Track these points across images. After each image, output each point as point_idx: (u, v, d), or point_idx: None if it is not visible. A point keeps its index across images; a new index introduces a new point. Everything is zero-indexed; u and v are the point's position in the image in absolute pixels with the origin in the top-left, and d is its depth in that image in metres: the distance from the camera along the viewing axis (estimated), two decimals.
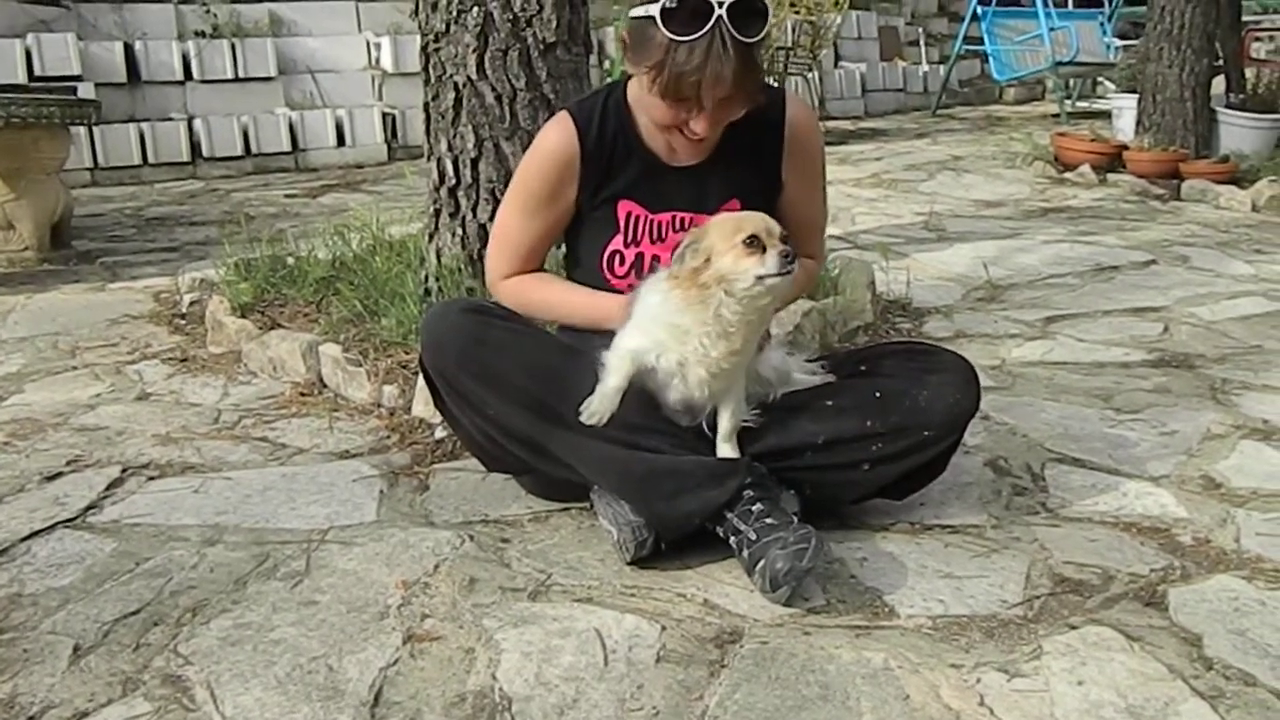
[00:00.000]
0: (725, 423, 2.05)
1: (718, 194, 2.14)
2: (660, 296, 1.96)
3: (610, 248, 2.16)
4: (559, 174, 2.14)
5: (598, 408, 1.99)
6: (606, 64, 9.06)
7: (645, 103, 2.04)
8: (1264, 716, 1.64)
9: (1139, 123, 7.23)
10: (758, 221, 1.92)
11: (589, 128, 2.12)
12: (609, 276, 2.17)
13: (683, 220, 2.13)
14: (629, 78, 2.12)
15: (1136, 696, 1.67)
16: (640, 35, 1.94)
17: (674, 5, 1.86)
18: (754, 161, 2.17)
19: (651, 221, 2.15)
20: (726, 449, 2.05)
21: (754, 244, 1.89)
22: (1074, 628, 1.86)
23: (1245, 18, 9.23)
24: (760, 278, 1.89)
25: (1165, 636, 1.84)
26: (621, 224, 2.15)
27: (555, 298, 2.22)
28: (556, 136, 2.14)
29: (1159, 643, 1.82)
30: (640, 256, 2.15)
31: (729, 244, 1.89)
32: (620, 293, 2.13)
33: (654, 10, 1.87)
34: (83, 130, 6.73)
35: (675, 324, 1.95)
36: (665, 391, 2.03)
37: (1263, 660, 1.77)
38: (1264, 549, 2.16)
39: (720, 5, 1.84)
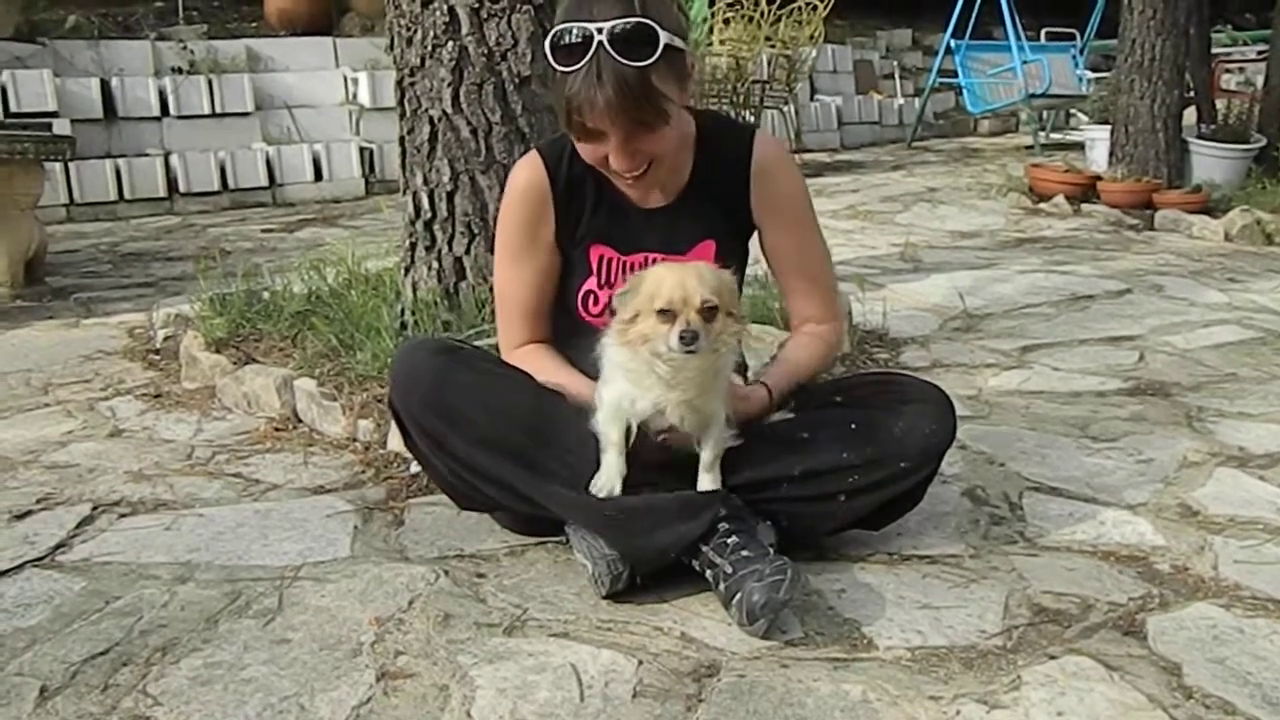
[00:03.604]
0: (706, 454, 2.03)
1: (688, 235, 2.14)
2: (614, 348, 1.96)
3: (584, 288, 2.17)
4: (533, 212, 2.15)
5: (605, 482, 1.99)
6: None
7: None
8: None
9: (1112, 154, 7.31)
10: (677, 287, 1.87)
11: (559, 166, 2.13)
12: (584, 315, 2.17)
13: (654, 261, 2.12)
14: None
15: None
16: (548, 77, 1.99)
17: (556, 40, 1.89)
18: (723, 202, 2.17)
19: (623, 263, 2.15)
20: (707, 480, 2.04)
21: (666, 314, 1.86)
22: (1053, 658, 1.85)
23: (1215, 49, 9.38)
24: (671, 348, 1.86)
25: (1144, 665, 1.84)
26: (594, 267, 2.16)
27: (548, 377, 2.16)
28: (526, 176, 2.15)
29: (1138, 672, 1.81)
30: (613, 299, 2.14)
31: (648, 306, 1.88)
32: (597, 332, 2.12)
33: (547, 43, 1.91)
34: (58, 166, 6.70)
35: (630, 370, 1.94)
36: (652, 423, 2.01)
37: (1242, 688, 1.77)
38: (1241, 576, 2.16)
39: (600, 32, 1.85)
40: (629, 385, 1.95)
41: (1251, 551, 2.28)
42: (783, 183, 2.22)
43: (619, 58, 1.85)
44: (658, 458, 2.02)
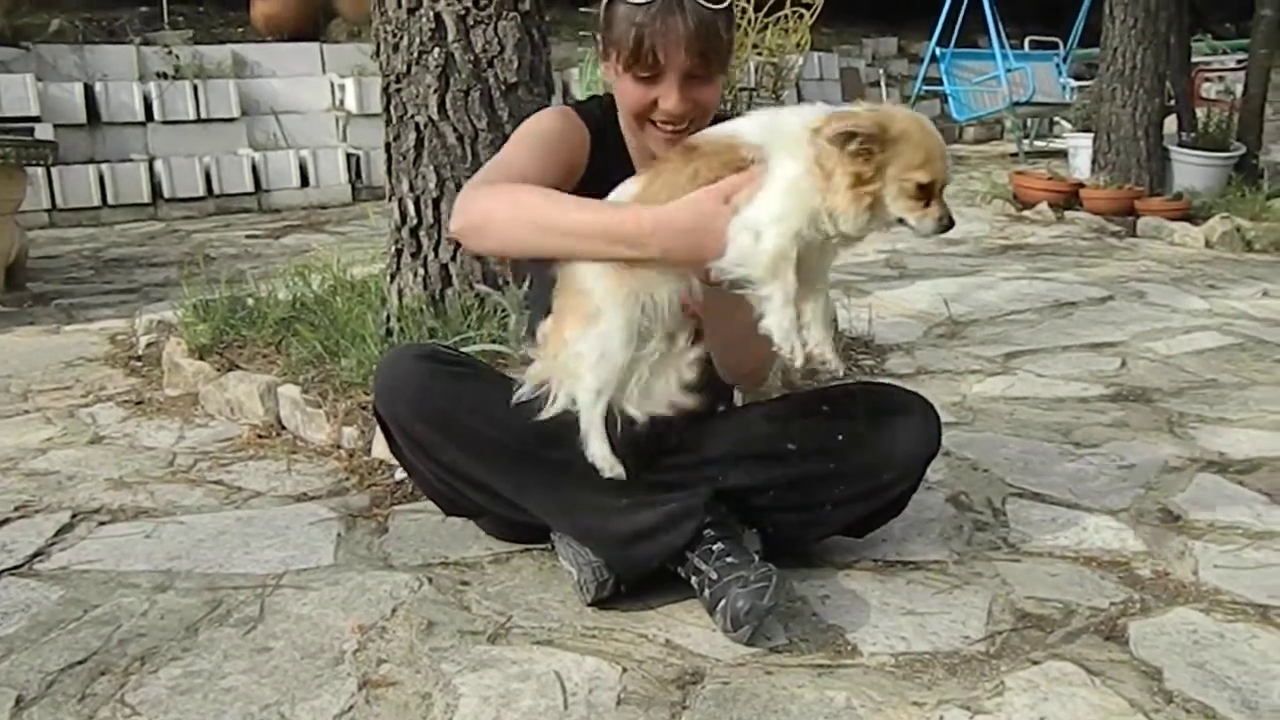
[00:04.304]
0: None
1: None
2: (800, 169, 1.70)
3: None
4: (570, 152, 2.06)
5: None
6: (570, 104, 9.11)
7: (620, 99, 2.00)
8: None
9: (1094, 161, 7.35)
10: (942, 164, 1.70)
11: (601, 138, 2.09)
12: None
13: None
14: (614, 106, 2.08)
15: None
16: (607, 21, 1.94)
17: None
18: None
19: None
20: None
21: (924, 191, 1.68)
22: (1036, 663, 1.86)
23: (1195, 58, 9.42)
24: (918, 229, 1.71)
25: (1126, 670, 1.84)
26: None
27: (554, 209, 1.82)
28: (575, 132, 2.08)
29: (1120, 677, 1.82)
30: None
31: (906, 173, 1.67)
32: None
33: None
34: (41, 171, 6.68)
35: (807, 209, 1.70)
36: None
37: (1222, 692, 1.78)
38: (1222, 581, 2.17)
39: None
40: (800, 220, 1.70)
41: (1231, 556, 2.30)
42: None
43: None
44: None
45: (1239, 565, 2.26)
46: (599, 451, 1.87)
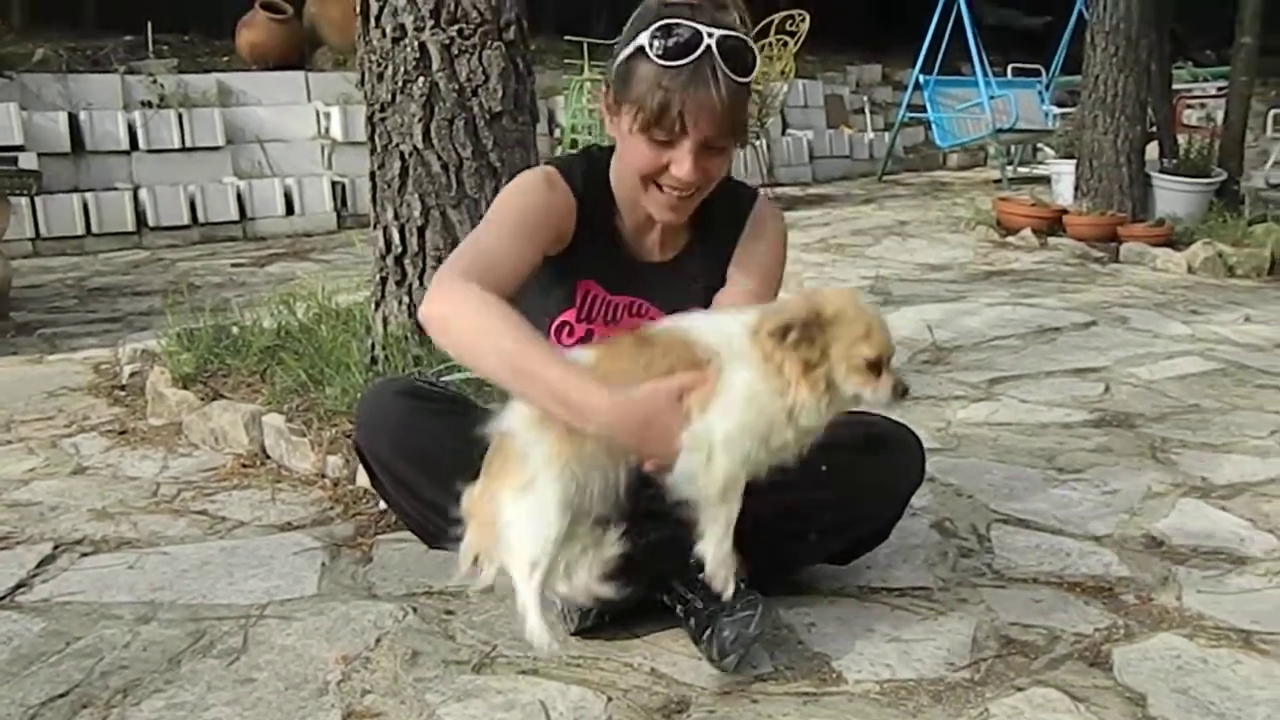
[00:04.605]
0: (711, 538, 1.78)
1: (680, 294, 2.07)
2: (754, 374, 1.68)
3: (561, 318, 2.11)
4: (555, 221, 2.01)
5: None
6: (557, 133, 9.15)
7: (627, 157, 1.94)
8: None
9: (1077, 187, 7.41)
10: (886, 338, 1.72)
11: (587, 202, 2.03)
12: (554, 342, 2.14)
13: (640, 306, 2.09)
14: (607, 158, 2.05)
15: None
16: (625, 76, 1.87)
17: (663, 34, 1.81)
18: (715, 264, 2.12)
19: (608, 303, 2.10)
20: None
21: (874, 365, 1.70)
22: (1020, 689, 1.86)
23: (1176, 85, 9.52)
24: (878, 400, 1.72)
25: (1110, 696, 1.85)
26: (578, 301, 2.09)
27: (522, 349, 1.74)
28: (561, 201, 2.02)
29: (1104, 703, 1.82)
30: (590, 333, 2.09)
31: (849, 352, 1.68)
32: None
33: (642, 40, 1.82)
34: (24, 200, 6.66)
35: (767, 409, 1.68)
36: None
37: (1206, 718, 1.78)
38: (1205, 607, 2.18)
39: (710, 36, 1.80)
40: (755, 438, 1.70)
41: (1214, 582, 2.31)
42: (766, 241, 2.14)
43: (724, 66, 1.81)
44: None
45: (1222, 591, 2.27)
46: (535, 625, 1.72)
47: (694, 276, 2.09)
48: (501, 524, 1.72)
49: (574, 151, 2.18)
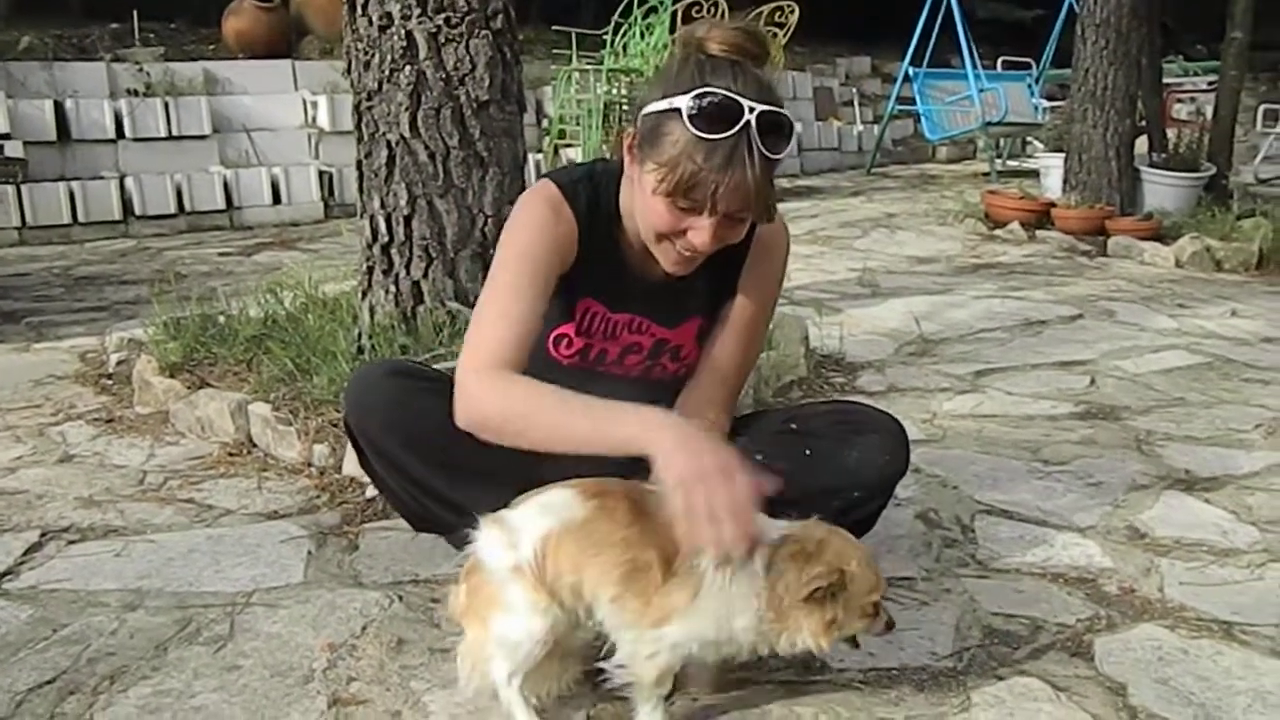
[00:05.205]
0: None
1: (680, 313, 2.08)
2: (753, 603, 1.65)
3: (559, 330, 2.07)
4: (561, 250, 1.97)
5: None
6: (545, 123, 9.13)
7: (642, 207, 1.88)
8: None
9: (1066, 181, 7.44)
10: (881, 577, 1.74)
11: (589, 222, 1.99)
12: (552, 351, 2.12)
13: (640, 324, 2.07)
14: (617, 176, 2.00)
15: None
16: (655, 131, 1.79)
17: (703, 103, 1.72)
18: (719, 285, 2.09)
19: (608, 320, 2.08)
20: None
21: (876, 607, 1.73)
22: (1002, 679, 1.88)
23: (1167, 80, 9.55)
24: (875, 634, 1.76)
25: (1091, 686, 1.86)
26: (578, 317, 2.06)
27: (557, 411, 1.76)
28: (566, 230, 1.97)
29: (1085, 692, 1.84)
30: (589, 346, 2.08)
31: (864, 599, 1.70)
32: (566, 367, 2.03)
33: (680, 103, 1.74)
34: (11, 189, 6.64)
35: (749, 635, 1.67)
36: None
37: (1186, 708, 1.80)
38: (1186, 598, 2.20)
39: (751, 111, 1.72)
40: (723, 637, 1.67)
41: (1197, 573, 2.32)
42: (772, 261, 2.12)
43: (761, 145, 1.73)
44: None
45: (1204, 582, 2.29)
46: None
47: (692, 295, 2.06)
48: (486, 638, 1.70)
49: (579, 165, 2.13)
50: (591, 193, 1.99)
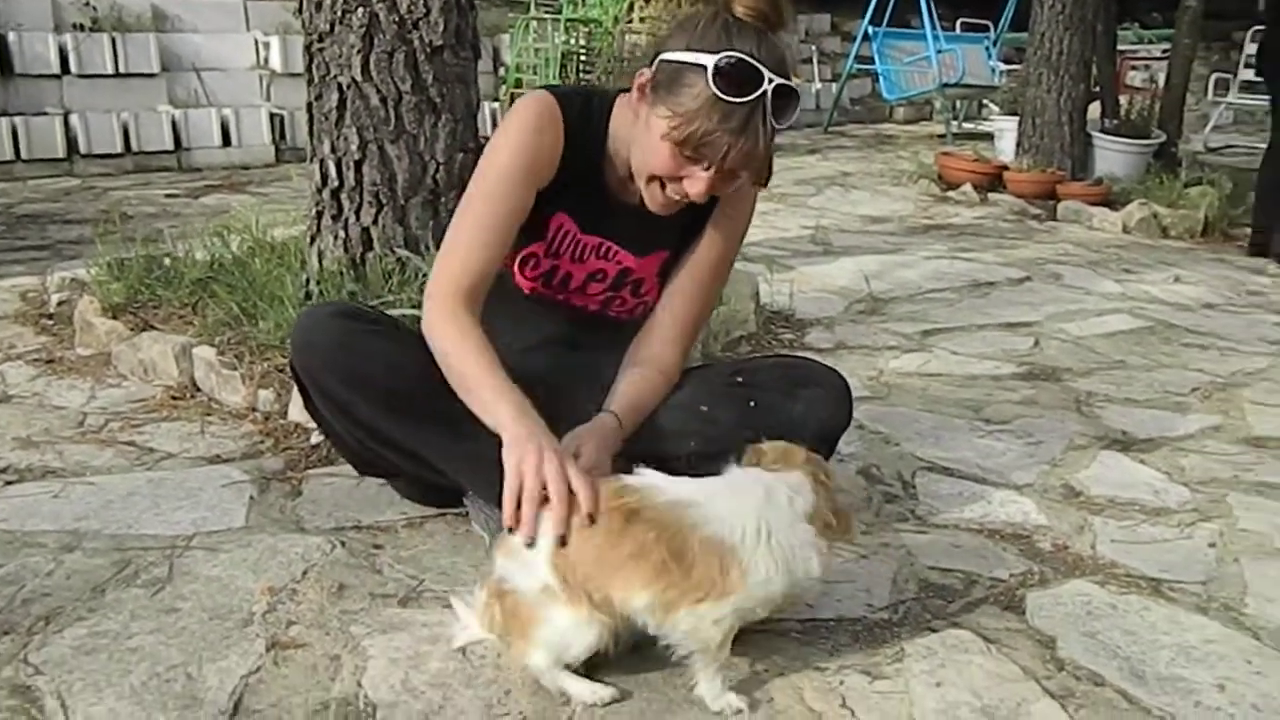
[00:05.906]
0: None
1: (650, 242, 2.09)
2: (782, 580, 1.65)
3: (528, 250, 2.08)
4: (546, 154, 1.99)
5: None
6: (502, 71, 9.03)
7: (645, 146, 1.89)
8: (1111, 715, 1.70)
9: (1019, 144, 7.49)
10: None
11: (581, 136, 2.01)
12: (517, 273, 2.12)
13: (608, 249, 2.08)
14: (611, 104, 2.02)
15: (991, 697, 1.73)
16: (675, 80, 1.81)
17: (729, 66, 1.76)
18: (690, 218, 2.09)
19: (578, 241, 2.08)
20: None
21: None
22: (935, 631, 1.92)
23: (1121, 46, 9.62)
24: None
25: (1021, 639, 1.91)
26: (549, 234, 2.07)
27: (475, 381, 1.83)
28: (551, 141, 1.99)
29: (1015, 645, 1.88)
30: (555, 269, 2.09)
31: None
32: (527, 297, 2.08)
33: (705, 60, 1.77)
34: None
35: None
36: None
37: (1111, 661, 1.85)
38: (1117, 555, 2.25)
39: (769, 82, 1.77)
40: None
41: (1128, 531, 2.38)
42: (741, 208, 2.15)
43: (773, 117, 1.79)
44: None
45: (1135, 540, 2.34)
46: (580, 690, 1.69)
47: (664, 227, 2.07)
48: (534, 621, 1.67)
49: (578, 87, 2.14)
50: (585, 107, 2.03)
